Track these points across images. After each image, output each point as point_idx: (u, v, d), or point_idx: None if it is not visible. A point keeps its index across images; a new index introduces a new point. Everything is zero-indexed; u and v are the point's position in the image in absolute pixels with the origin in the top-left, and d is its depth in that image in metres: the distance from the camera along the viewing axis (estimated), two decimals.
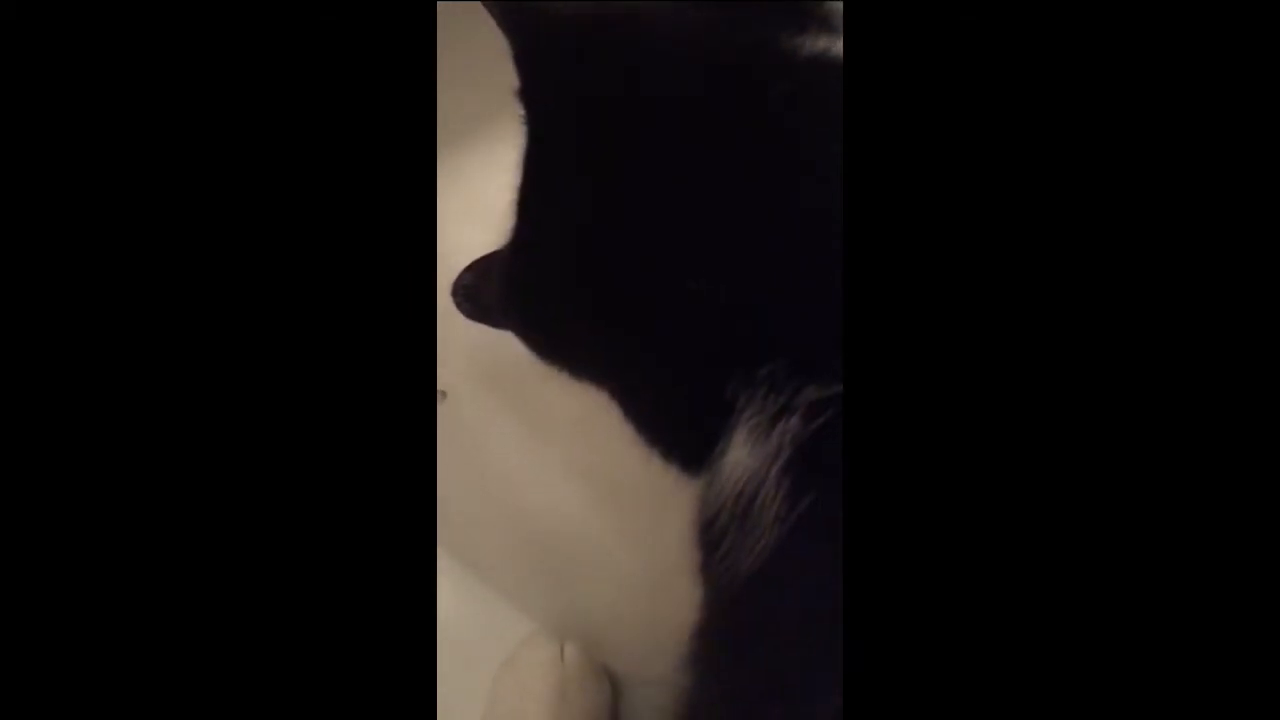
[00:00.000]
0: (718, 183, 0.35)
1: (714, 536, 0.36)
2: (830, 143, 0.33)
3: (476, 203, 0.42)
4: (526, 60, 0.40)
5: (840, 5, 0.39)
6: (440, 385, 0.61)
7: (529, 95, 0.40)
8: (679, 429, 0.38)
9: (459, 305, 0.49)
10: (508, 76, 0.41)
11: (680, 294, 0.35)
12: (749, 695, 0.33)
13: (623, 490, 0.53)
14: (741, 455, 0.35)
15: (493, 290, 0.44)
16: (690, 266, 0.35)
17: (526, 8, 0.41)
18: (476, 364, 0.60)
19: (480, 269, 0.47)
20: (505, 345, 0.44)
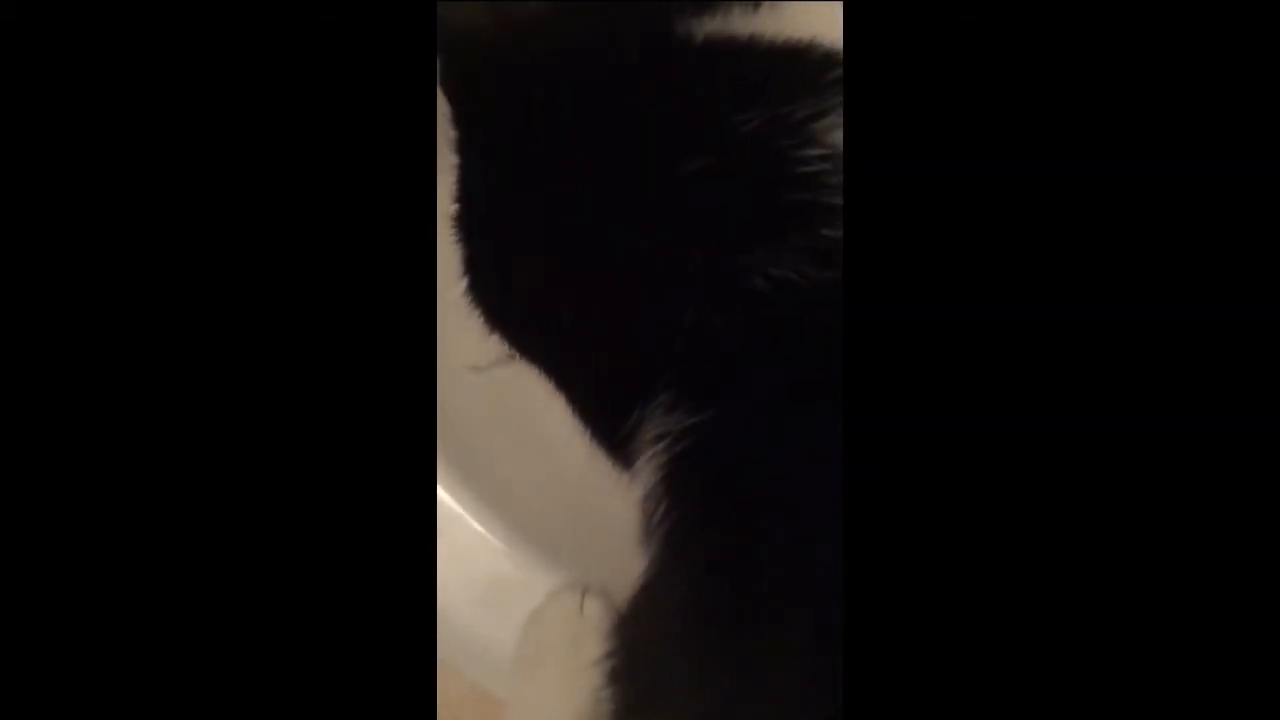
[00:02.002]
0: (616, 192, 0.39)
1: (645, 533, 0.41)
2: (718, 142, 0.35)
3: None
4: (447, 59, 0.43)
5: None
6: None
7: (447, 84, 0.43)
8: (608, 441, 0.42)
9: None
10: None
11: (591, 321, 0.40)
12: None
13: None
14: (644, 469, 0.39)
15: None
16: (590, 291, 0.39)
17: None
18: None
19: None
20: None
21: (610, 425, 0.41)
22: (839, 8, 0.42)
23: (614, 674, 0.40)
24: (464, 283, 0.44)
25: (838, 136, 0.37)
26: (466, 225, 0.42)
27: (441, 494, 0.58)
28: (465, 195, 0.42)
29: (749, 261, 0.35)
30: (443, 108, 0.44)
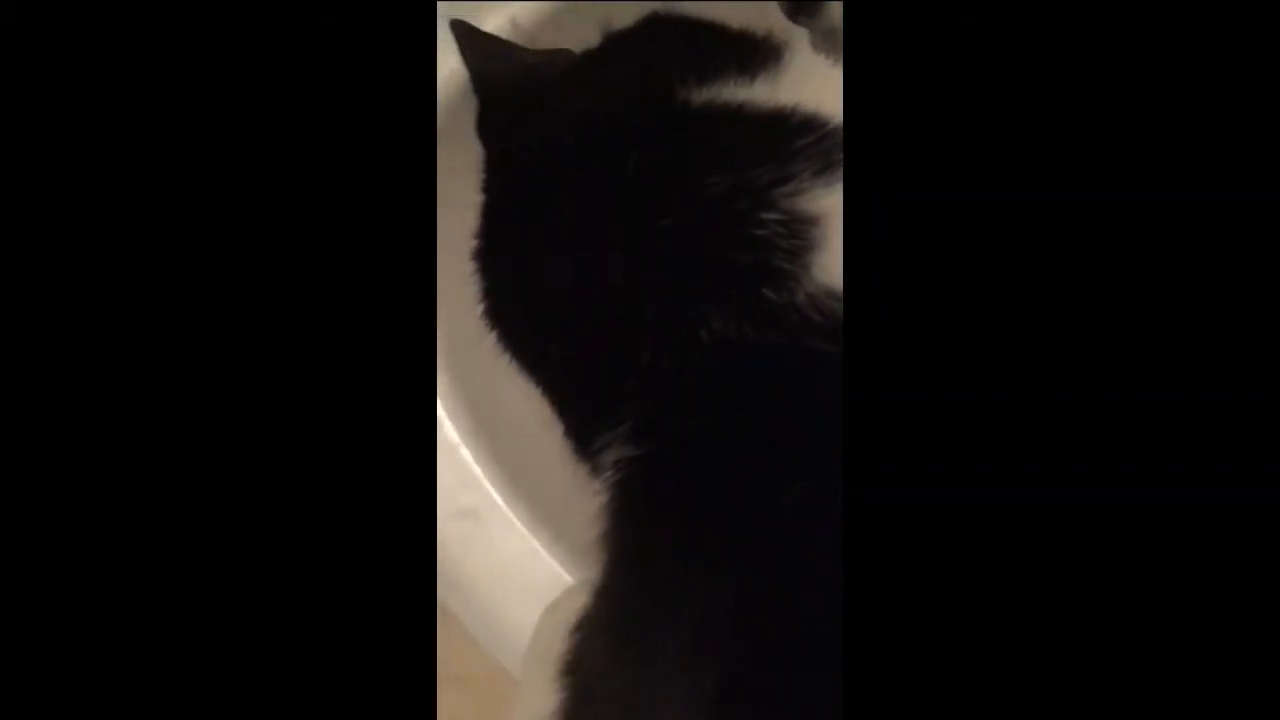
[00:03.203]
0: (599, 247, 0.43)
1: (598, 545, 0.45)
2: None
3: None
4: (482, 89, 0.49)
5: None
6: None
7: (482, 129, 0.49)
8: (583, 459, 0.47)
9: None
10: None
11: (570, 353, 0.45)
12: None
13: None
14: (602, 489, 0.44)
15: None
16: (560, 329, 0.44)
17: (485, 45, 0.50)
18: None
19: None
20: None
21: (583, 446, 0.45)
22: (834, 76, 0.45)
23: (565, 669, 0.45)
24: (481, 308, 0.50)
25: (796, 202, 0.40)
26: (484, 258, 0.48)
27: (486, 485, 0.64)
28: (485, 231, 0.48)
29: (696, 315, 0.39)
30: (476, 151, 0.50)
